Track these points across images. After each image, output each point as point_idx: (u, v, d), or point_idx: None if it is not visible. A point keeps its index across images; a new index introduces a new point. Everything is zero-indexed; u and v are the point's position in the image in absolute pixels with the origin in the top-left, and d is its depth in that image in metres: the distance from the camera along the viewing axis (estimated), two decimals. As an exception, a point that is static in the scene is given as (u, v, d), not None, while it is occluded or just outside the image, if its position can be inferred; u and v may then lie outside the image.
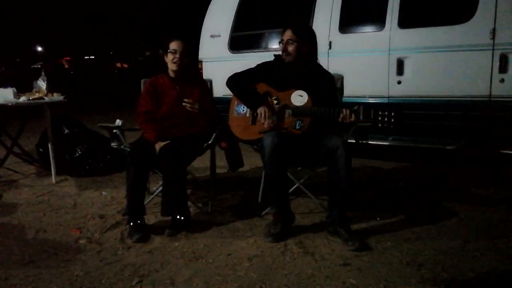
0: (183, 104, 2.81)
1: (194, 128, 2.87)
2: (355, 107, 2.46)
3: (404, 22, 3.84)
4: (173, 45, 2.86)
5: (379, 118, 2.41)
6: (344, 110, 2.45)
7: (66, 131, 4.29)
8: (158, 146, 2.68)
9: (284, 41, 2.66)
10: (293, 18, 4.42)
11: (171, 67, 2.89)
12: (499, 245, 2.37)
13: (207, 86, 3.11)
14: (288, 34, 2.65)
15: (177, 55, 2.84)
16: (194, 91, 2.92)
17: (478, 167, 3.97)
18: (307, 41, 2.67)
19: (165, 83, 2.94)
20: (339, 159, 2.43)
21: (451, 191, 3.37)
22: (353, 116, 2.43)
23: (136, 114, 2.93)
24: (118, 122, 3.02)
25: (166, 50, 2.88)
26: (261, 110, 2.61)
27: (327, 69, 2.85)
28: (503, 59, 3.42)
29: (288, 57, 2.67)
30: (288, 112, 2.64)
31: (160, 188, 2.88)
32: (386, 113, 2.40)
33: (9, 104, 3.54)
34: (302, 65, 2.70)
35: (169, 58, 2.88)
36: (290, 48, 2.65)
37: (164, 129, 2.84)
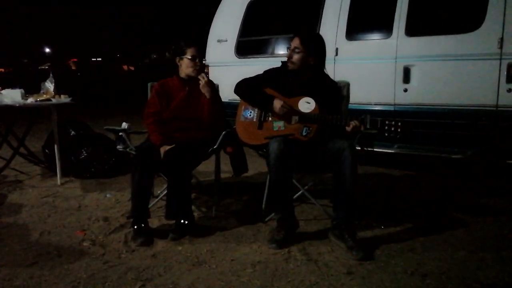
0: (199, 77, 2.83)
1: (200, 133, 2.87)
2: (362, 116, 2.46)
3: (411, 30, 3.83)
4: (192, 51, 2.85)
5: (386, 128, 2.41)
6: (354, 121, 2.45)
7: (72, 133, 4.33)
8: (164, 149, 2.69)
9: (290, 49, 2.66)
10: (303, 26, 4.42)
11: (189, 72, 2.89)
12: (505, 256, 2.35)
13: (215, 87, 3.11)
14: (296, 43, 2.65)
15: (198, 62, 2.87)
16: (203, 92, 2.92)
17: (485, 176, 3.95)
18: (313, 53, 2.67)
19: (175, 85, 2.95)
20: (345, 160, 2.42)
21: (457, 201, 3.35)
22: (361, 125, 2.44)
23: (145, 114, 2.93)
24: (124, 125, 3.04)
25: (180, 54, 2.88)
26: (278, 102, 2.61)
27: (333, 76, 2.85)
28: (511, 69, 3.40)
29: (292, 65, 2.68)
30: (295, 118, 2.64)
31: (165, 192, 2.88)
32: (393, 123, 2.40)
33: (17, 105, 3.56)
34: (307, 74, 2.70)
35: (186, 63, 2.87)
36: (295, 57, 2.65)
37: (170, 132, 2.84)
